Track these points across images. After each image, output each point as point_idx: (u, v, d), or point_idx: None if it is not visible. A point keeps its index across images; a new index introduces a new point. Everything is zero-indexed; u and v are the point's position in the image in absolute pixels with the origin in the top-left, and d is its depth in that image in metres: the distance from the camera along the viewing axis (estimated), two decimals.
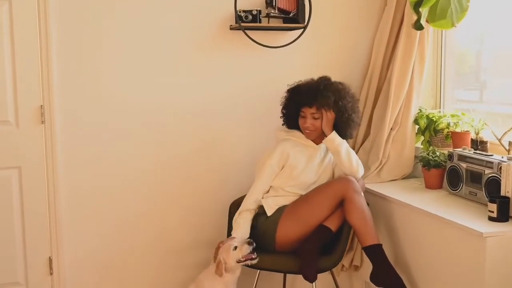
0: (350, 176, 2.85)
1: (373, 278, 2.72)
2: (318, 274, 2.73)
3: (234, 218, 2.91)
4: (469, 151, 2.81)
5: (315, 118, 2.87)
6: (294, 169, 2.89)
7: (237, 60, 3.23)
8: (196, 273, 2.98)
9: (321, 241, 2.77)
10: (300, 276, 2.76)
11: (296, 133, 2.98)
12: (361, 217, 2.73)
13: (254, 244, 2.73)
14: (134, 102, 3.12)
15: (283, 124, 3.03)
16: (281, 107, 3.00)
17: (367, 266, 3.13)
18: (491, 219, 2.44)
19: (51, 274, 3.09)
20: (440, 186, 3.00)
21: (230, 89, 3.25)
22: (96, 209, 3.13)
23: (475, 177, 2.70)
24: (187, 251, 3.29)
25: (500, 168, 2.52)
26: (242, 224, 2.85)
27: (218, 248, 2.78)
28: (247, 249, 2.71)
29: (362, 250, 2.78)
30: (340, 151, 2.85)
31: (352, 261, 3.26)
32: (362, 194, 2.81)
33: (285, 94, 2.99)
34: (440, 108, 3.35)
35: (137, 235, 3.21)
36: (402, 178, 3.28)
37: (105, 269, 3.19)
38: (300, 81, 2.97)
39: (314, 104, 2.85)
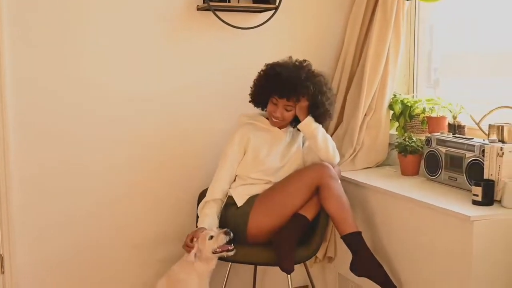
0: (326, 162, 2.74)
1: (354, 267, 2.61)
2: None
3: (199, 208, 2.77)
4: (447, 135, 2.75)
5: (287, 110, 2.75)
6: (258, 154, 2.76)
7: (205, 43, 3.08)
8: (165, 268, 2.81)
9: (298, 231, 2.65)
10: (271, 268, 2.64)
11: (260, 118, 2.85)
12: (338, 204, 2.63)
13: (232, 235, 2.58)
14: (94, 88, 2.92)
15: (250, 101, 2.87)
16: (253, 82, 2.83)
17: (341, 258, 3.06)
18: (475, 203, 2.38)
19: (3, 273, 2.88)
20: (416, 173, 2.95)
21: (199, 73, 3.09)
22: (53, 202, 2.92)
23: (455, 162, 2.64)
24: (154, 246, 3.12)
25: (483, 151, 2.46)
26: (210, 214, 2.71)
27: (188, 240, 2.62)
28: (223, 239, 2.56)
29: (339, 240, 2.69)
30: (317, 135, 2.74)
31: (326, 252, 3.16)
32: (339, 180, 2.71)
33: (261, 71, 2.81)
34: (413, 93, 3.29)
35: (100, 229, 3.02)
36: (376, 166, 3.20)
37: (64, 267, 2.98)
38: (279, 62, 2.79)
39: (291, 99, 2.71)
